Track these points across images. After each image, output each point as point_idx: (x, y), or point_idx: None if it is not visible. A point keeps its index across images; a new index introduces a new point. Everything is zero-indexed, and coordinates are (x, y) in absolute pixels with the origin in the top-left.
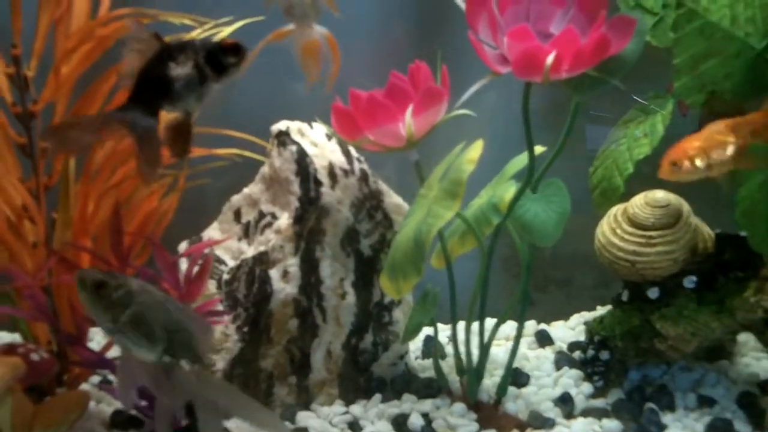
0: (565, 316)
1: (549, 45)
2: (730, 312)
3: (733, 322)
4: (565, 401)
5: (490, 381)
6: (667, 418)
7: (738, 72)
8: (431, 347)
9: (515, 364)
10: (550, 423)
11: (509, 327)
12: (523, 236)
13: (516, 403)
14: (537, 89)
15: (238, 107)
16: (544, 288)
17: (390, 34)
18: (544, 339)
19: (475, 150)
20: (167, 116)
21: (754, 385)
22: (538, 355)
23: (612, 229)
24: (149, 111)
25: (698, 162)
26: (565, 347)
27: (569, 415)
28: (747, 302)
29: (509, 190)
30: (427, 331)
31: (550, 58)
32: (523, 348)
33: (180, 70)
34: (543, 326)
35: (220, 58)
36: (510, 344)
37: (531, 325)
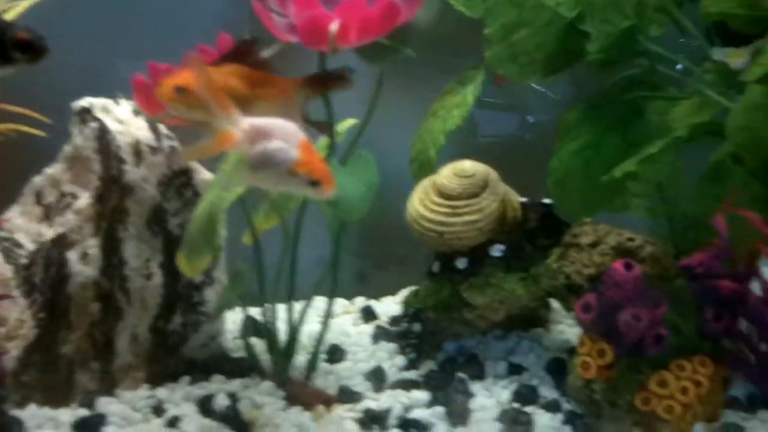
0: (396, 292)
1: (334, 12)
2: (535, 279)
3: (539, 289)
4: (376, 375)
5: (306, 359)
6: (475, 386)
7: (549, 42)
8: (252, 327)
9: (335, 341)
10: (358, 397)
11: (339, 305)
12: (331, 210)
13: (327, 379)
14: None
15: (57, 83)
16: (383, 265)
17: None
18: (368, 315)
19: None
20: None
21: (564, 352)
22: (360, 330)
23: (421, 200)
24: None
25: None
26: (386, 322)
27: (379, 388)
28: (550, 269)
29: None
30: (250, 311)
31: (333, 26)
32: (348, 325)
33: None
34: (371, 302)
35: (7, 50)
36: (338, 321)
37: (360, 302)
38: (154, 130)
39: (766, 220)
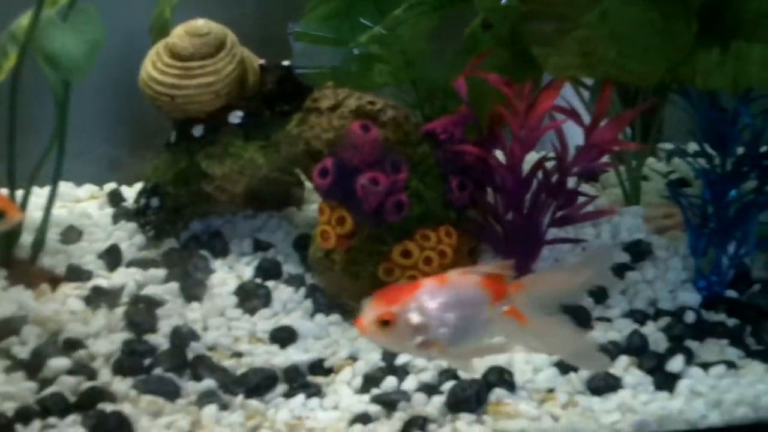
0: None
1: None
2: (276, 147)
3: (279, 158)
4: (110, 254)
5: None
6: (217, 263)
7: None
8: None
9: (74, 223)
10: (88, 275)
11: (87, 191)
12: (52, 70)
13: (55, 258)
14: None
15: None
16: (139, 152)
17: None
18: (116, 198)
19: None
20: None
21: (314, 228)
22: (104, 213)
23: (153, 62)
24: None
25: None
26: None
27: (113, 266)
28: (290, 135)
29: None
30: None
31: None
32: (93, 209)
33: None
34: (123, 188)
35: None
36: (82, 205)
37: (110, 187)
38: None
39: (507, 81)
